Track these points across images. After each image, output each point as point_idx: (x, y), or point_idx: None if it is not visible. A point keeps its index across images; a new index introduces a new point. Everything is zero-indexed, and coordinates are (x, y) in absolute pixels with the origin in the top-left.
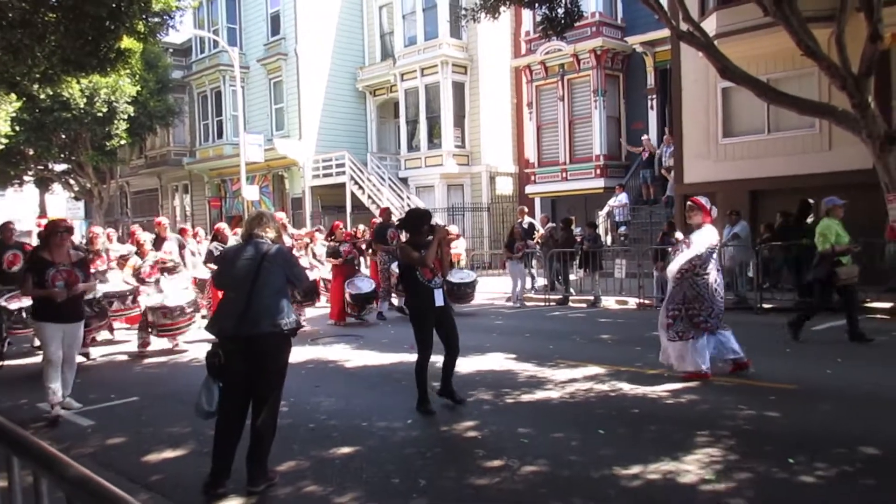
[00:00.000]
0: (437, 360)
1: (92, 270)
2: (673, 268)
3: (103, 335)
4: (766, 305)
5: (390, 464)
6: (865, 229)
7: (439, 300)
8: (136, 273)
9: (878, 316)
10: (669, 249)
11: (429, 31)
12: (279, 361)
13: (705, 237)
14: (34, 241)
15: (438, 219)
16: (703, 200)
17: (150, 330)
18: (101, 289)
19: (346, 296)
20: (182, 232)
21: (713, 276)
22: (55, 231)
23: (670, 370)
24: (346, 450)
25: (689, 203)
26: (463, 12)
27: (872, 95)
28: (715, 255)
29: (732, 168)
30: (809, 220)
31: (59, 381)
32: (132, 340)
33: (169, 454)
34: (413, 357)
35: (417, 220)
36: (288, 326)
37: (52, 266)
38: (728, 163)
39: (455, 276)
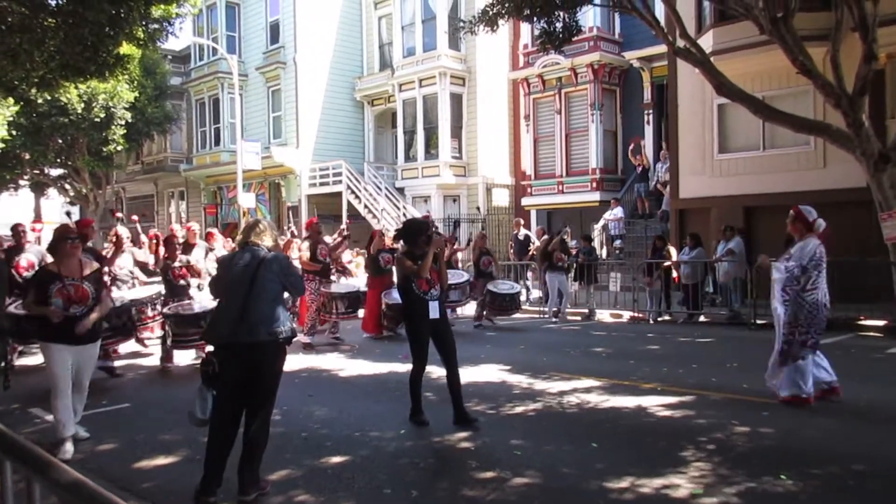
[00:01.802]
0: (429, 370)
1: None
2: (775, 293)
3: (128, 345)
4: (759, 321)
5: (382, 474)
6: (859, 247)
7: (434, 312)
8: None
9: (872, 334)
10: (667, 263)
11: (427, 42)
12: (274, 370)
13: (805, 251)
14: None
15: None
16: (804, 210)
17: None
18: (126, 296)
19: (383, 306)
20: (209, 237)
21: (822, 290)
22: (63, 238)
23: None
24: (338, 459)
25: (791, 213)
26: (461, 24)
27: (867, 114)
28: (824, 269)
29: (727, 184)
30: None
31: (69, 412)
32: (154, 353)
33: (160, 461)
34: (407, 367)
35: (415, 230)
36: (284, 335)
37: (57, 279)
38: (723, 178)
39: (500, 287)
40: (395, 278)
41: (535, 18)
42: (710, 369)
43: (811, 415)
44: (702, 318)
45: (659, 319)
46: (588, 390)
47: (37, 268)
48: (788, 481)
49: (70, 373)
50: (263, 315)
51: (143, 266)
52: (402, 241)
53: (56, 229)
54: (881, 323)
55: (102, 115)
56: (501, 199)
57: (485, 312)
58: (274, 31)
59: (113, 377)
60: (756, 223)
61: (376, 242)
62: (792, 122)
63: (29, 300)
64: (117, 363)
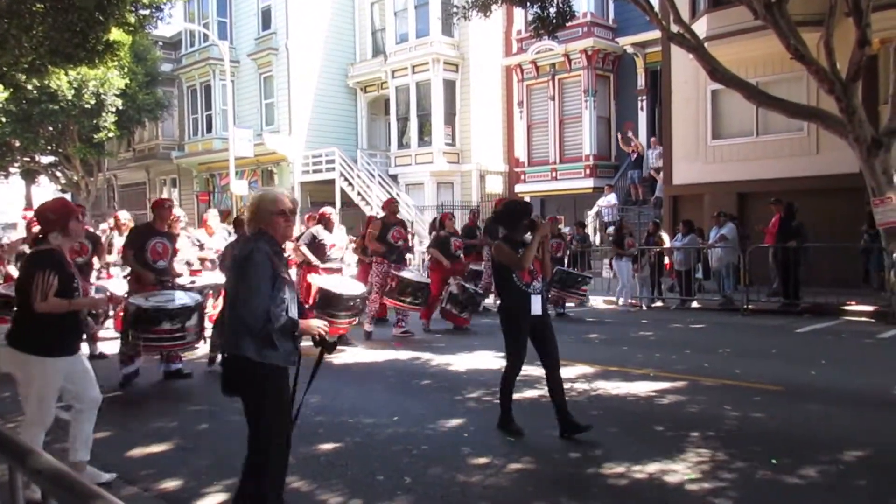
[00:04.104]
0: (427, 357)
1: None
2: None
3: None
4: (751, 307)
5: (376, 461)
6: (851, 232)
7: (536, 308)
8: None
9: (862, 319)
10: (657, 249)
11: (420, 28)
12: (246, 396)
13: None
14: (20, 235)
15: (427, 216)
16: None
17: None
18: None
19: (454, 289)
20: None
21: None
22: (71, 216)
23: None
24: (331, 446)
25: None
26: (454, 10)
27: (860, 100)
28: None
29: (721, 170)
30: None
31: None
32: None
33: (153, 449)
34: (400, 354)
35: (516, 214)
36: (240, 352)
37: (71, 266)
38: (716, 165)
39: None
40: (465, 265)
41: (528, 3)
42: (703, 355)
43: (803, 401)
44: (695, 304)
45: (652, 306)
46: (582, 377)
47: None
48: (781, 466)
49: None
50: (227, 324)
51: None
52: (500, 226)
53: (59, 202)
54: (871, 308)
55: (93, 102)
56: (495, 185)
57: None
58: (266, 17)
59: (185, 377)
60: (749, 209)
61: (448, 226)
62: (785, 107)
63: (52, 295)
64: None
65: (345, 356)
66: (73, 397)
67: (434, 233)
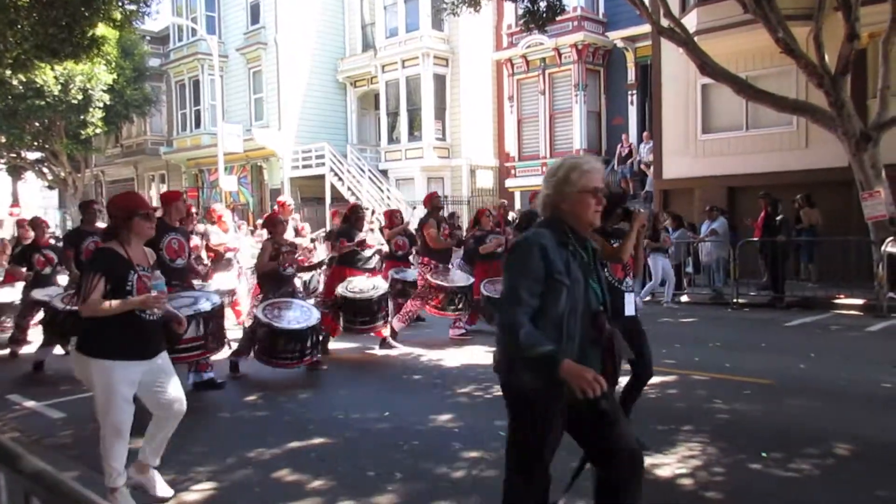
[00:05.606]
0: (427, 354)
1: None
2: None
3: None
4: (741, 301)
5: (366, 456)
6: (840, 226)
7: (630, 308)
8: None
9: (851, 312)
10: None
11: (410, 22)
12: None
13: None
14: (6, 233)
15: (418, 212)
16: None
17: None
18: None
19: (481, 298)
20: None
21: None
22: (136, 212)
23: None
24: (321, 441)
25: None
26: (444, 4)
27: (849, 94)
28: None
29: (711, 164)
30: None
31: (124, 457)
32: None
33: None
34: (392, 350)
35: (610, 202)
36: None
37: (131, 268)
38: (707, 159)
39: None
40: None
41: None
42: (693, 349)
43: (793, 394)
44: (685, 298)
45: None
46: None
47: None
48: (771, 460)
49: (132, 402)
50: None
51: (218, 253)
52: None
53: (124, 197)
54: (860, 301)
55: (80, 98)
56: (485, 180)
57: None
58: (254, 11)
59: (216, 388)
60: (739, 203)
61: (483, 223)
62: (775, 101)
63: (97, 297)
64: None
65: (337, 352)
66: (151, 405)
67: (471, 231)
